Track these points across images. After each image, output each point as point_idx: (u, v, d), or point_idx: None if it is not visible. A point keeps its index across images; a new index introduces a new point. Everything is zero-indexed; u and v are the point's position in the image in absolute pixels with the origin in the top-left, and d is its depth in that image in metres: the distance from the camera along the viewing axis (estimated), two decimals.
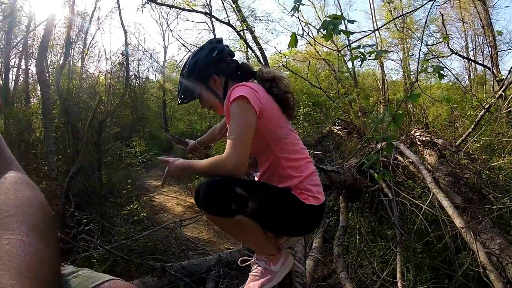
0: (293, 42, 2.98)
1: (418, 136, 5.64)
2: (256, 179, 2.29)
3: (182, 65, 2.43)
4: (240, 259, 2.43)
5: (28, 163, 8.59)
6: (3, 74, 13.85)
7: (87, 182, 8.06)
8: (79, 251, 5.35)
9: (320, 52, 15.74)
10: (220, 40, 2.40)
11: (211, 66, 2.26)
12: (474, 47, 15.90)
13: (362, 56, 3.18)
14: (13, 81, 14.81)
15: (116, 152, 10.19)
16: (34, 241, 0.70)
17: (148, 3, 11.19)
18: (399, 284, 3.77)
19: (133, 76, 20.87)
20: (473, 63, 14.95)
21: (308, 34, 9.87)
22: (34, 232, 0.72)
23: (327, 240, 5.23)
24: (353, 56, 3.66)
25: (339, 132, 8.23)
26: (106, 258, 4.98)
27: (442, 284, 3.90)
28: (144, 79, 24.29)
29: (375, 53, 3.14)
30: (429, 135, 5.86)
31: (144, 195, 9.58)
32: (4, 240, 0.68)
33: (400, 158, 5.31)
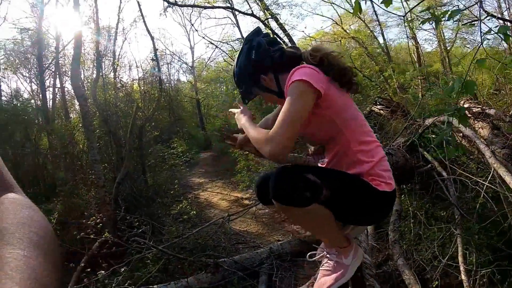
0: (357, 8, 2.92)
1: (469, 108, 5.23)
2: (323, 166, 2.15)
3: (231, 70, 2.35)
4: (309, 253, 2.27)
5: (75, 174, 8.85)
6: (41, 95, 14.37)
7: (133, 186, 8.24)
8: (132, 253, 5.48)
9: (348, 31, 15.47)
10: (257, 31, 2.28)
11: (255, 68, 2.15)
12: (507, 6, 15.17)
13: (434, 18, 3.00)
14: (51, 100, 15.34)
15: (159, 155, 10.36)
16: (35, 256, 0.67)
17: (170, 6, 11.28)
18: (461, 268, 3.56)
19: (165, 80, 21.13)
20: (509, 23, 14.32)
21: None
22: (35, 248, 0.69)
23: (377, 226, 5.08)
24: (422, 20, 3.47)
25: (381, 111, 7.79)
26: (159, 257, 5.08)
27: (506, 266, 3.67)
28: (176, 82, 24.57)
29: (449, 13, 2.93)
30: (480, 106, 5.46)
31: (189, 193, 9.69)
32: (6, 253, 0.65)
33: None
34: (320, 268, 2.09)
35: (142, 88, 15.33)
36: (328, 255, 2.06)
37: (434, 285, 3.58)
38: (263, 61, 2.15)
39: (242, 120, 2.06)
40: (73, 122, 11.92)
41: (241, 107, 2.11)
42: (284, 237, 5.85)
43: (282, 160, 1.81)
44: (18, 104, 11.44)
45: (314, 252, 2.25)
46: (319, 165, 2.17)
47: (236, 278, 4.57)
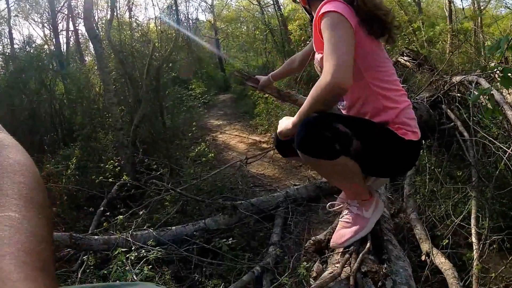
0: None
1: (497, 71, 5.02)
2: (344, 112, 2.06)
3: None
4: (329, 203, 2.24)
5: (92, 118, 8.89)
6: (54, 40, 14.23)
7: (151, 129, 8.27)
8: (151, 195, 5.57)
9: None
10: None
11: None
12: None
13: None
14: (65, 44, 15.22)
15: (177, 96, 10.32)
16: (30, 216, 0.58)
17: None
18: (473, 230, 3.55)
19: (183, 19, 20.78)
20: None
21: None
22: (28, 206, 0.59)
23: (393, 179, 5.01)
24: None
25: (407, 63, 7.48)
26: (177, 199, 5.15)
27: None
28: (194, 21, 24.17)
29: None
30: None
31: (208, 135, 9.73)
32: None
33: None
34: (340, 219, 2.07)
35: (159, 27, 15.16)
36: (348, 207, 2.04)
37: (444, 243, 3.57)
38: None
39: (294, 122, 1.85)
40: (88, 65, 11.86)
41: (281, 132, 1.95)
42: (300, 182, 5.88)
43: (349, 84, 1.63)
44: (32, 51, 11.36)
45: (334, 202, 2.23)
46: (340, 108, 2.09)
47: (252, 220, 4.63)
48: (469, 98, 4.72)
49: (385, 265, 1.78)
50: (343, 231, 1.99)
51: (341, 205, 2.13)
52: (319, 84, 1.67)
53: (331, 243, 2.00)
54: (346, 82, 1.62)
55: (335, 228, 2.10)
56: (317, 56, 1.99)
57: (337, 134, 1.67)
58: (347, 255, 1.83)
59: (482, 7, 13.71)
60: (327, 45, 1.68)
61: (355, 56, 1.73)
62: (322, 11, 1.74)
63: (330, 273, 1.77)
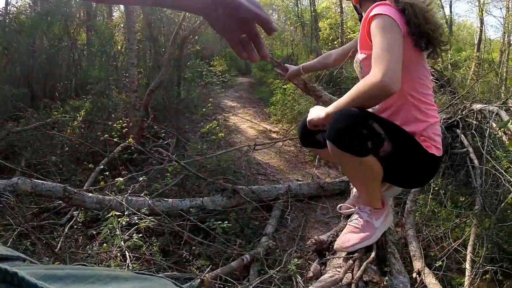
0: None
1: None
2: None
3: None
4: (340, 205, 2.24)
5: (109, 74, 8.81)
6: None
7: (165, 97, 8.18)
8: (153, 163, 5.50)
9: None
10: None
11: None
12: None
13: None
14: None
15: (197, 70, 10.24)
16: None
17: None
18: (468, 257, 3.52)
19: None
20: None
21: None
22: None
23: None
24: None
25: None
26: (178, 172, 5.07)
27: (509, 269, 3.59)
28: None
29: None
30: None
31: (220, 114, 9.65)
32: None
33: (495, 126, 4.67)
34: (348, 223, 2.01)
35: None
36: (359, 212, 1.98)
37: (437, 265, 3.54)
38: None
39: (325, 109, 1.82)
40: (116, 21, 11.76)
41: (313, 118, 1.89)
42: (303, 178, 5.80)
43: (397, 89, 1.62)
44: None
45: (344, 204, 2.21)
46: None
47: (250, 207, 4.56)
48: (486, 127, 4.69)
49: (387, 278, 1.73)
50: (349, 236, 1.93)
51: (352, 209, 2.09)
52: (367, 81, 1.64)
53: (335, 245, 1.94)
54: (395, 86, 1.61)
55: (339, 231, 2.06)
56: (359, 56, 1.98)
57: (372, 132, 1.68)
58: (350, 261, 1.77)
59: (511, 42, 13.65)
60: (379, 47, 1.66)
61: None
62: (375, 12, 1.72)
63: (331, 277, 1.72)
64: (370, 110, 2.01)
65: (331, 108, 1.77)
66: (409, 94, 1.84)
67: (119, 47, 10.56)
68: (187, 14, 9.37)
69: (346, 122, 1.68)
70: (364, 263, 1.74)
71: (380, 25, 1.69)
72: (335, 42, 12.19)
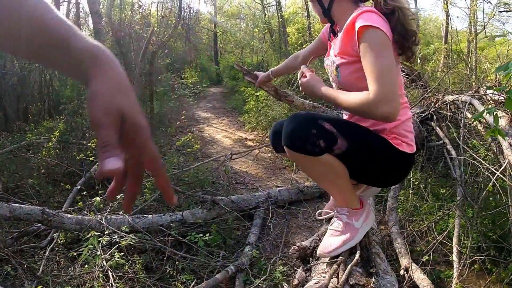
0: None
1: (490, 94, 4.95)
2: (345, 117, 2.10)
3: None
4: (318, 211, 2.25)
5: (81, 93, 8.75)
6: None
7: None
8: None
9: None
10: None
11: None
12: None
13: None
14: (64, 15, 14.99)
15: (168, 83, 10.22)
16: None
17: None
18: (454, 249, 3.54)
19: (185, 8, 20.66)
20: None
21: None
22: None
23: None
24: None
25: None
26: (156, 187, 5.04)
27: (496, 257, 3.59)
28: (195, 11, 24.06)
29: None
30: (502, 95, 5.18)
31: (194, 126, 9.65)
32: None
33: (470, 116, 4.77)
34: (328, 227, 2.03)
35: (160, 12, 15.03)
36: (338, 215, 2.00)
37: (424, 259, 3.58)
38: None
39: (321, 89, 1.88)
40: None
41: (307, 72, 1.93)
42: (283, 184, 5.83)
43: (395, 119, 1.69)
44: None
45: (323, 210, 2.21)
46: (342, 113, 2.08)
47: (231, 218, 4.56)
48: (460, 117, 4.78)
49: (373, 279, 1.74)
50: (331, 240, 1.94)
51: (331, 213, 2.07)
52: (364, 101, 1.68)
53: (318, 252, 1.95)
54: (394, 117, 1.66)
55: (321, 236, 2.06)
56: (336, 59, 1.96)
57: (322, 131, 1.70)
58: (335, 266, 1.78)
59: (478, 31, 13.90)
60: (376, 67, 1.67)
61: None
62: (367, 23, 1.70)
63: (316, 283, 1.72)
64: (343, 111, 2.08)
65: (322, 92, 1.86)
66: None
67: None
68: (156, 29, 9.37)
69: (294, 124, 1.71)
70: (349, 266, 1.75)
71: (376, 42, 1.69)
72: (304, 46, 12.27)
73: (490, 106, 4.76)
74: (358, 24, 1.72)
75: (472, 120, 4.50)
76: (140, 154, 0.76)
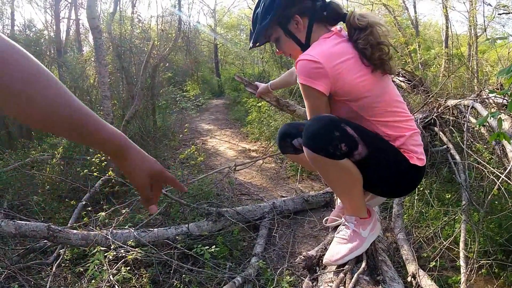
0: None
1: (493, 97, 4.92)
2: None
3: (255, 2, 2.04)
4: (326, 218, 2.23)
5: None
6: (54, 26, 14.14)
7: (142, 126, 8.17)
8: (135, 193, 5.46)
9: None
10: None
11: (293, 4, 1.91)
12: None
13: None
14: (65, 32, 15.17)
15: (170, 96, 10.25)
16: None
17: None
18: (461, 254, 3.52)
19: (185, 21, 20.75)
20: None
21: None
22: None
23: None
24: None
25: (403, 84, 7.45)
26: (161, 200, 5.06)
27: (503, 261, 3.61)
28: (196, 23, 24.17)
29: None
30: (504, 98, 5.13)
31: (197, 138, 9.66)
32: None
33: (473, 120, 4.74)
34: (335, 235, 2.01)
35: (160, 26, 15.10)
36: (346, 223, 1.98)
37: (431, 265, 3.56)
38: (305, 0, 1.93)
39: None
40: (86, 56, 11.75)
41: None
42: (287, 194, 5.82)
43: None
44: (31, 35, 11.21)
45: (330, 217, 2.20)
46: None
47: (237, 229, 4.56)
48: (463, 121, 4.75)
49: (380, 287, 1.72)
50: (338, 248, 1.92)
51: (338, 221, 2.06)
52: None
53: (324, 260, 1.93)
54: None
55: (327, 245, 2.04)
56: None
57: (345, 135, 1.71)
58: (341, 275, 1.76)
59: (478, 35, 13.89)
60: (308, 111, 1.92)
61: (350, 102, 1.85)
62: (298, 70, 1.82)
63: None
64: None
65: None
66: (374, 120, 1.87)
67: (91, 80, 10.52)
68: (156, 42, 9.42)
69: (318, 125, 1.72)
70: (355, 275, 1.73)
71: (302, 92, 1.87)
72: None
73: (493, 110, 4.77)
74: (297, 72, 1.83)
75: (477, 125, 4.48)
76: (164, 183, 1.20)
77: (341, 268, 1.85)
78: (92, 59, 10.73)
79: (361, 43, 1.80)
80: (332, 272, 1.87)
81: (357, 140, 1.72)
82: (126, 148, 1.02)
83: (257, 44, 2.11)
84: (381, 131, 1.87)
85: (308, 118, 1.78)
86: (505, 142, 3.78)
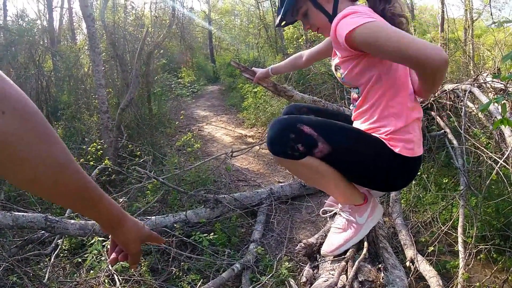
0: None
1: (490, 82, 4.86)
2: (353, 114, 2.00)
3: None
4: (322, 209, 2.15)
5: (78, 98, 8.74)
6: (47, 15, 14.00)
7: (137, 114, 8.13)
8: (132, 182, 5.46)
9: None
10: None
11: None
12: None
13: None
14: (58, 21, 15.03)
15: (165, 83, 10.20)
16: None
17: None
18: (459, 239, 3.52)
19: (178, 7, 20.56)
20: None
21: None
22: None
23: None
24: None
25: None
26: (158, 188, 5.05)
27: (502, 246, 3.64)
28: (189, 9, 23.97)
29: None
30: (503, 82, 4.82)
31: (193, 125, 9.64)
32: None
33: (470, 104, 4.71)
34: (332, 225, 1.98)
35: (154, 13, 14.98)
36: (340, 212, 1.95)
37: (430, 250, 3.57)
38: None
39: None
40: (79, 44, 11.66)
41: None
42: (285, 179, 5.81)
43: (443, 56, 1.47)
44: (24, 24, 11.09)
45: (326, 208, 2.16)
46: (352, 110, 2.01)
47: (235, 215, 4.56)
48: (460, 106, 4.72)
49: (382, 274, 1.71)
50: (333, 238, 1.90)
51: (334, 210, 2.03)
52: (429, 71, 1.54)
53: (322, 252, 1.91)
54: (444, 56, 1.48)
55: (327, 232, 2.02)
56: (335, 59, 1.92)
57: (301, 135, 1.68)
58: (343, 263, 1.74)
59: (474, 19, 13.80)
60: (394, 46, 1.54)
61: (376, 60, 1.73)
62: (353, 26, 1.60)
63: (325, 281, 1.68)
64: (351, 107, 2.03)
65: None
66: (387, 92, 1.79)
67: (85, 69, 10.45)
68: (150, 29, 9.35)
69: (273, 130, 1.71)
70: (356, 262, 1.70)
71: (374, 30, 1.59)
72: (300, 40, 12.24)
73: (490, 95, 4.75)
74: (340, 35, 1.66)
75: (480, 110, 4.45)
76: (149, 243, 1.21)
77: (342, 256, 1.82)
78: (86, 48, 10.66)
79: (390, 10, 1.78)
80: (333, 260, 1.86)
81: (315, 138, 1.68)
82: (123, 216, 1.01)
83: (283, 23, 2.07)
84: (387, 109, 1.80)
85: (407, 50, 1.48)
86: (503, 127, 3.76)
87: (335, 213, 2.02)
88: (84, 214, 0.97)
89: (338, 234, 1.90)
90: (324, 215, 2.11)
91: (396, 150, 1.76)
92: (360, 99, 1.90)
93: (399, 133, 1.79)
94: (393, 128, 1.79)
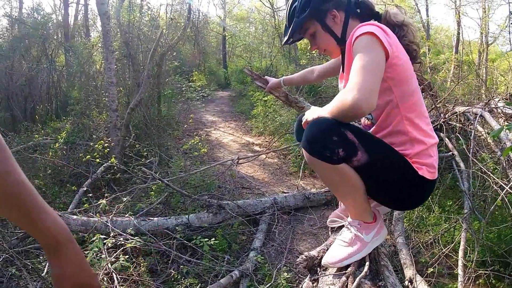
0: None
1: (501, 107, 4.85)
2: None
3: None
4: (330, 219, 2.17)
5: (88, 95, 8.78)
6: (63, 10, 14.12)
7: (146, 114, 8.15)
8: (137, 182, 5.46)
9: None
10: None
11: None
12: None
13: None
14: (73, 17, 15.14)
15: (176, 86, 10.24)
16: None
17: None
18: (459, 262, 3.50)
19: (194, 10, 20.66)
20: None
21: None
22: None
23: None
24: None
25: None
26: (162, 189, 5.06)
27: (502, 273, 3.59)
28: (204, 14, 24.11)
29: None
30: None
31: (201, 129, 9.65)
32: None
33: (480, 128, 4.69)
34: (337, 237, 1.95)
35: (169, 14, 15.07)
36: (349, 226, 1.92)
37: (429, 272, 3.55)
38: None
39: (314, 112, 1.75)
40: (93, 41, 11.72)
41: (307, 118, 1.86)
42: (289, 190, 5.79)
43: (370, 108, 1.58)
44: (39, 18, 11.18)
45: (334, 218, 2.15)
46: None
47: (237, 222, 4.55)
48: (470, 129, 4.70)
49: None
50: (337, 251, 1.88)
51: (342, 223, 2.02)
52: (341, 99, 1.61)
53: (323, 262, 1.89)
54: (366, 108, 1.57)
55: (330, 245, 2.00)
56: (343, 80, 1.95)
57: (344, 140, 1.64)
58: (343, 278, 1.73)
59: (489, 43, 13.78)
60: (356, 67, 1.63)
61: (391, 83, 1.74)
62: (357, 33, 1.68)
63: None
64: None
65: (321, 111, 1.72)
66: (405, 118, 1.80)
67: (97, 66, 10.51)
68: (165, 31, 9.39)
69: (316, 129, 1.65)
70: (357, 279, 1.69)
71: (359, 45, 1.67)
72: (313, 52, 12.27)
73: (500, 120, 4.72)
74: (353, 39, 1.71)
75: (491, 136, 4.43)
76: None
77: (343, 271, 1.80)
78: (99, 45, 10.73)
79: (404, 39, 1.82)
80: (333, 275, 1.84)
81: (357, 146, 1.65)
82: (66, 242, 0.88)
83: (291, 40, 2.08)
84: (407, 135, 1.81)
85: (356, 79, 1.59)
86: (511, 153, 3.74)
87: (342, 226, 2.01)
88: (21, 227, 0.89)
89: (343, 248, 1.88)
90: (331, 225, 2.10)
91: (420, 172, 1.77)
92: (374, 126, 1.92)
93: (422, 156, 1.80)
94: (416, 151, 1.80)
